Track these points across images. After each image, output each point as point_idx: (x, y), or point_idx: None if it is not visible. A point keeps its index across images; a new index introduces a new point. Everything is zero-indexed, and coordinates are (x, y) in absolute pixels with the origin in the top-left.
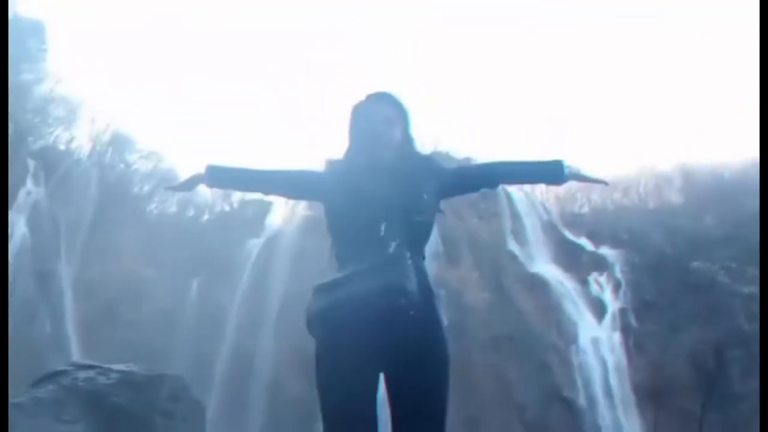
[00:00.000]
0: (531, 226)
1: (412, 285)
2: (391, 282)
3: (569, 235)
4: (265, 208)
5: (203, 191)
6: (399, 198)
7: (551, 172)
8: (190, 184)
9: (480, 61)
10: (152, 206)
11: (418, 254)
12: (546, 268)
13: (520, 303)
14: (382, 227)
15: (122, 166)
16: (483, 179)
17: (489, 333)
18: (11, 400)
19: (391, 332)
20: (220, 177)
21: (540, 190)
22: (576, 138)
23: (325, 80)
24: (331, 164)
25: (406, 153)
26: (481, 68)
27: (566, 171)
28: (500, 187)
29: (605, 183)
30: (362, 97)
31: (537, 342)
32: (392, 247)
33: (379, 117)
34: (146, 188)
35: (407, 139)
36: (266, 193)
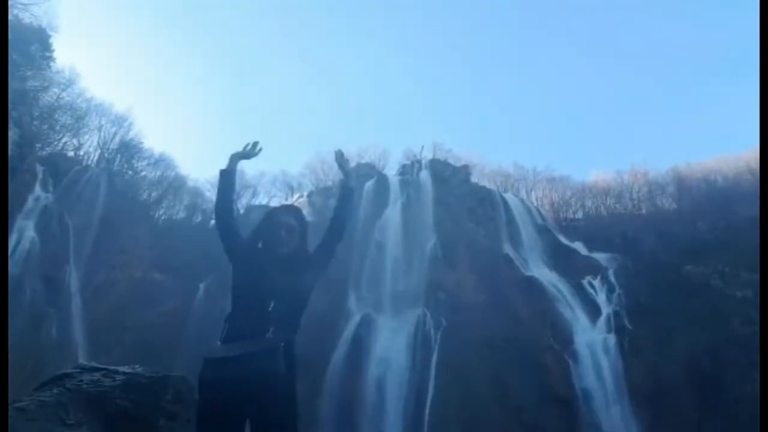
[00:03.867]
0: (526, 230)
1: (282, 369)
2: (268, 368)
3: (564, 240)
4: None
5: (210, 197)
6: (287, 284)
7: (345, 194)
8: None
9: (478, 66)
10: (160, 212)
11: (293, 327)
12: (541, 271)
13: (516, 306)
14: (271, 304)
15: (130, 172)
16: (329, 235)
17: (486, 335)
18: (16, 404)
19: (260, 397)
20: (231, 173)
21: (535, 196)
22: (570, 143)
23: (326, 83)
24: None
25: (299, 252)
26: (479, 74)
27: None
28: (496, 193)
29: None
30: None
31: (533, 344)
32: (270, 332)
33: (284, 225)
34: (154, 194)
35: (302, 243)
36: (221, 214)
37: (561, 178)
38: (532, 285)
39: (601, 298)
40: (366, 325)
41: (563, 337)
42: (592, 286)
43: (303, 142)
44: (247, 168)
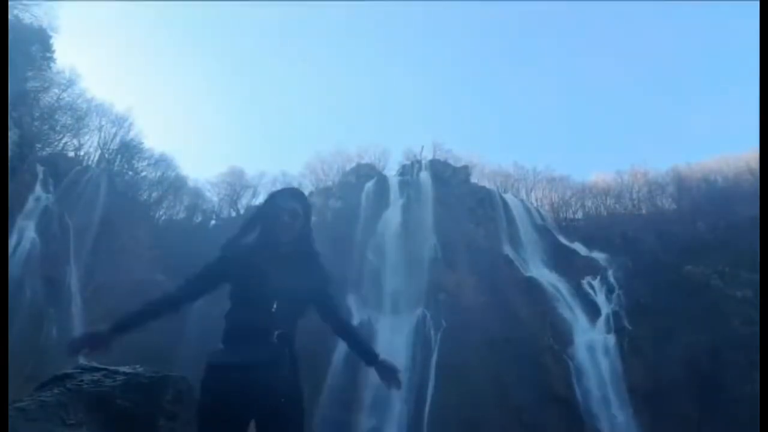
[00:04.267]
0: (526, 231)
1: (286, 372)
2: (275, 375)
3: (564, 240)
4: None
5: (210, 197)
6: (289, 281)
7: (368, 356)
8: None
9: (478, 66)
10: (160, 212)
11: (295, 326)
12: (541, 272)
13: (516, 306)
14: (275, 304)
15: (130, 173)
16: (330, 320)
17: (486, 335)
18: (16, 404)
19: (268, 404)
20: (126, 327)
21: (535, 196)
22: (570, 143)
23: (326, 83)
24: (235, 244)
25: (302, 244)
26: (479, 74)
27: (377, 359)
28: (496, 193)
29: (398, 385)
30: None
31: (533, 344)
32: (275, 335)
33: (287, 210)
34: (154, 195)
35: (306, 230)
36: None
37: (561, 178)
38: (532, 285)
39: (600, 298)
40: (366, 326)
41: (563, 338)
42: (592, 287)
43: (303, 142)
44: (247, 168)
